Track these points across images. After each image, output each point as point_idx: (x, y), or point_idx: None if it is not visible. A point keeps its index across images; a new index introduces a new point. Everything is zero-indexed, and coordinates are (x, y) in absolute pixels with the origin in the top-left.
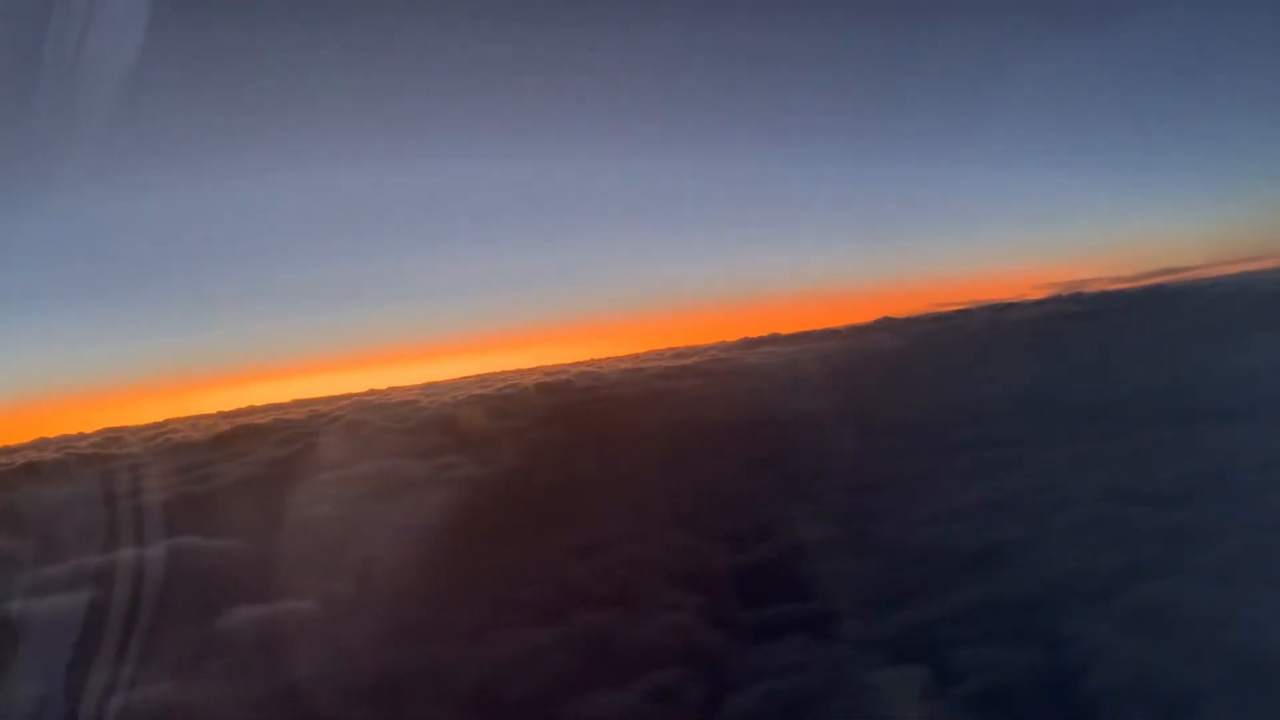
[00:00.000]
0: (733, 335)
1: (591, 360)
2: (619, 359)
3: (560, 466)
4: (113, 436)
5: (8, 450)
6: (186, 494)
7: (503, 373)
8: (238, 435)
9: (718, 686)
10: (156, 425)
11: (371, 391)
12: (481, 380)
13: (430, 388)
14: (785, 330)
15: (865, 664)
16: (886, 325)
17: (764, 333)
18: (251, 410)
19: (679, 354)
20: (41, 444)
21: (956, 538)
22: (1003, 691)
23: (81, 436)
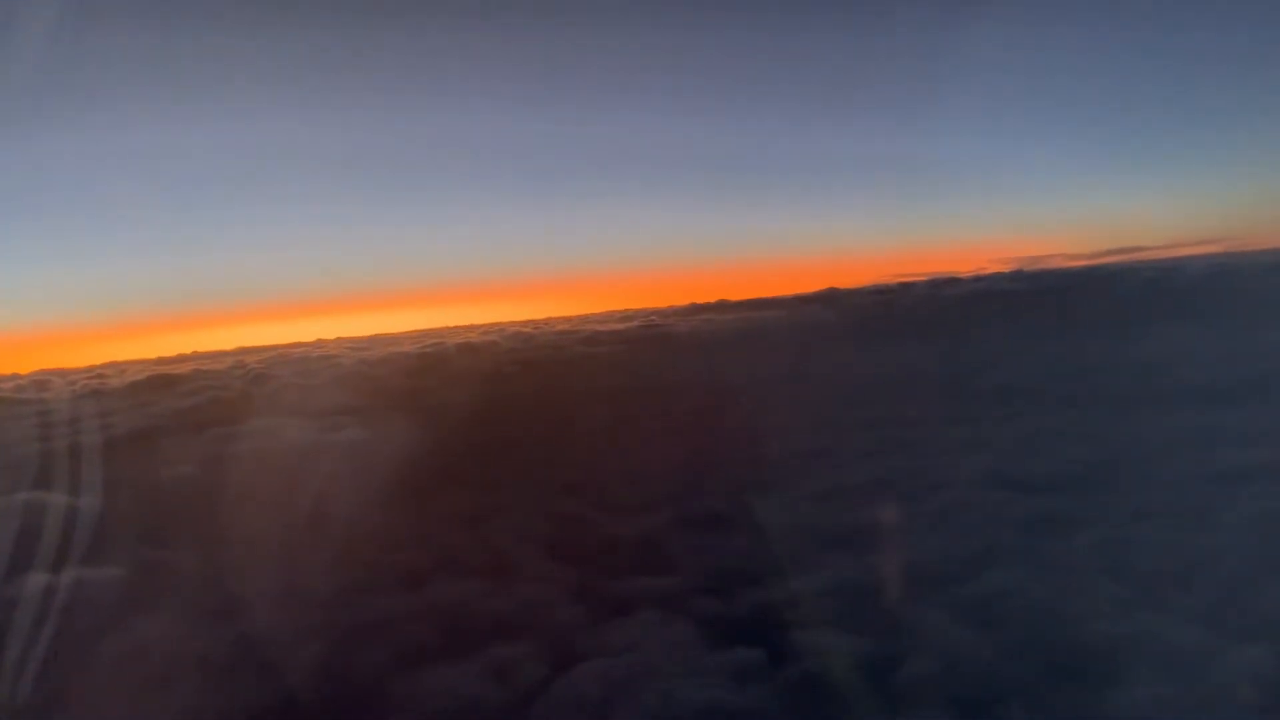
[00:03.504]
0: (684, 299)
1: (534, 319)
2: (564, 319)
3: (457, 431)
4: (42, 380)
5: None
6: (70, 445)
7: (444, 328)
8: (151, 385)
9: (554, 664)
10: (91, 369)
11: (319, 342)
12: (419, 336)
13: (371, 340)
14: (734, 297)
15: (702, 644)
16: (828, 297)
17: (713, 299)
18: (193, 356)
19: (624, 317)
20: None
21: (832, 516)
22: (820, 678)
23: (13, 378)
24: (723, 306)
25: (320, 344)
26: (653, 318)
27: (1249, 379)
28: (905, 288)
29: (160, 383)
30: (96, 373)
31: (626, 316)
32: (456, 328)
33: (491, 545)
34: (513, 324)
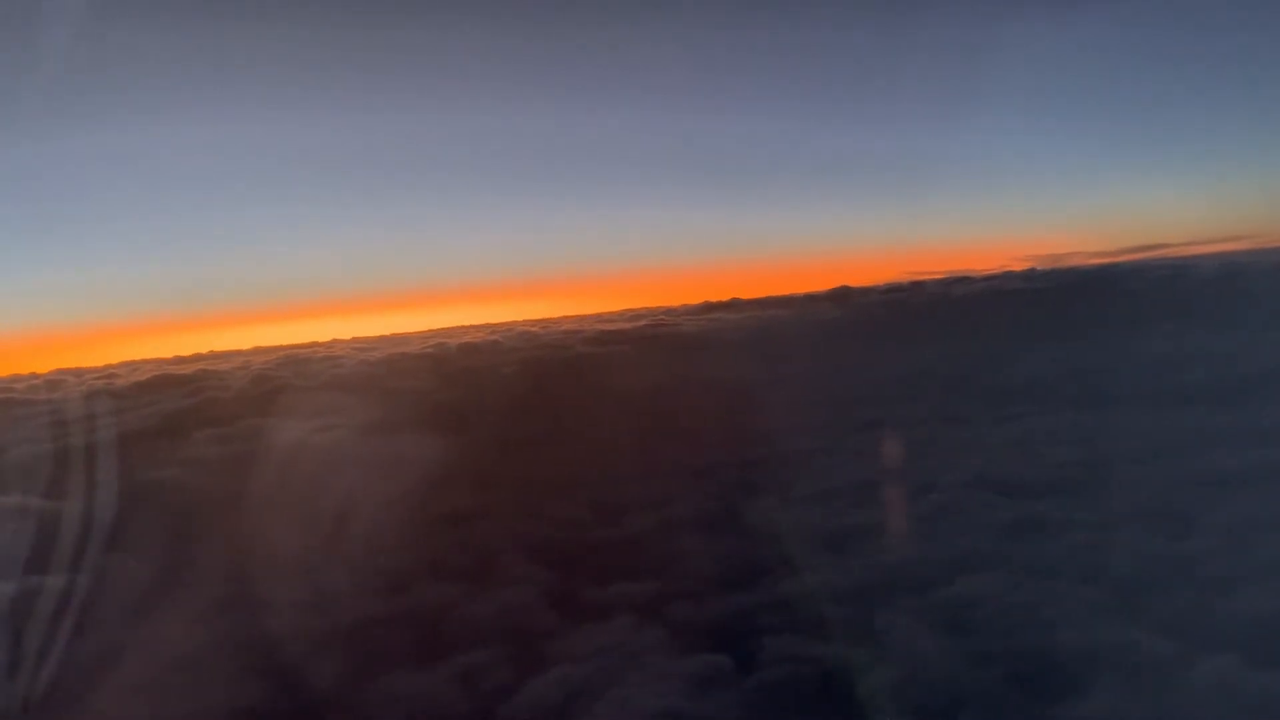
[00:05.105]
0: (697, 298)
1: (547, 319)
2: (576, 318)
3: (449, 432)
4: (56, 379)
5: None
6: (64, 447)
7: (455, 328)
8: (154, 385)
9: (522, 669)
10: (106, 369)
11: (333, 342)
12: (429, 336)
13: (381, 340)
14: (748, 295)
15: (671, 650)
16: (840, 295)
17: (726, 297)
18: (207, 356)
19: (634, 316)
20: None
21: (819, 520)
22: (788, 685)
23: (29, 377)
24: (734, 305)
25: (335, 344)
26: (662, 317)
27: (1248, 380)
28: (917, 286)
29: (163, 383)
30: (109, 373)
31: (636, 315)
32: (466, 327)
33: (477, 548)
34: (523, 323)
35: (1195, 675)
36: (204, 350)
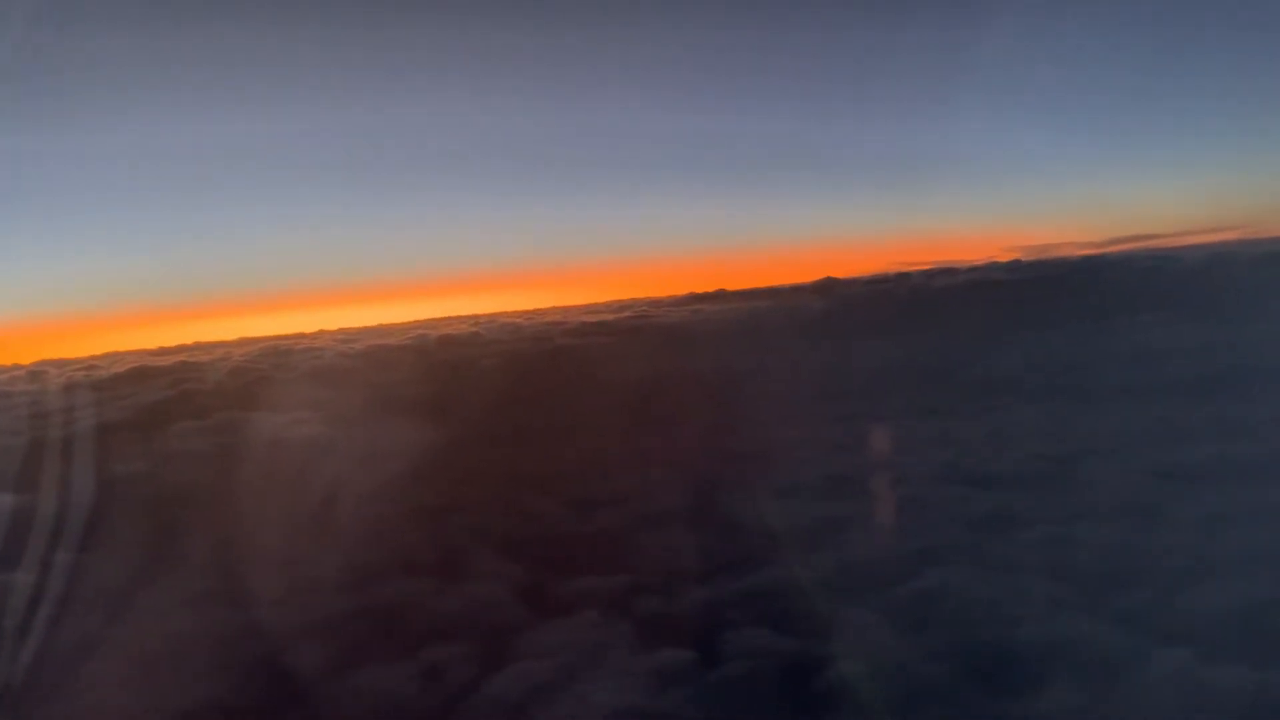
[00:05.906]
0: (683, 289)
1: (535, 310)
2: (561, 309)
3: (423, 425)
4: (38, 370)
5: None
6: (40, 439)
7: (440, 319)
8: (132, 377)
9: (486, 666)
10: (90, 360)
11: (319, 333)
12: (412, 327)
13: (364, 332)
14: (734, 287)
15: (635, 645)
16: (824, 287)
17: (712, 288)
18: (192, 346)
19: (619, 307)
20: None
21: (791, 514)
22: (751, 679)
23: (12, 368)
24: (719, 297)
25: (320, 335)
26: (646, 308)
27: (1228, 373)
28: (903, 278)
29: (141, 375)
30: (91, 364)
31: (621, 307)
32: (450, 319)
33: (448, 542)
34: (507, 315)
35: (1151, 670)
36: (189, 341)
